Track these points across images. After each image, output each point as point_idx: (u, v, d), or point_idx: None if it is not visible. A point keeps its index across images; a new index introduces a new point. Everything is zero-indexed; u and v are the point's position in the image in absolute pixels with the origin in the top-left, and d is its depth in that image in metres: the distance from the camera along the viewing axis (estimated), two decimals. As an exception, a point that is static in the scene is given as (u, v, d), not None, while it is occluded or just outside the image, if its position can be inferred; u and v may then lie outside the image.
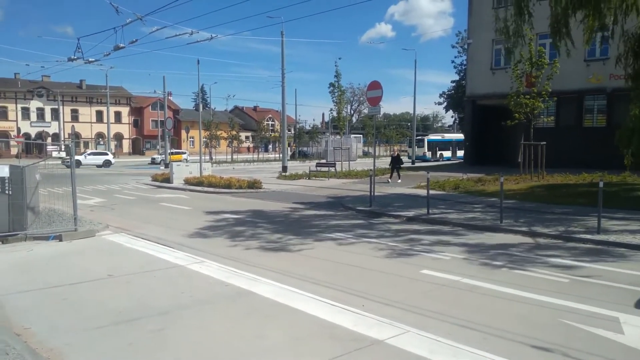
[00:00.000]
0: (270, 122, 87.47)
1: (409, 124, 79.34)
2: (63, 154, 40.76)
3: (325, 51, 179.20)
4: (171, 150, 50.37)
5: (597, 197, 9.99)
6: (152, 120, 78.16)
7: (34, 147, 63.87)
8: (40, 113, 70.99)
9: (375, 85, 16.93)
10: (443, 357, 4.51)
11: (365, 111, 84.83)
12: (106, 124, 64.18)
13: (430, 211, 13.20)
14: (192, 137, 73.52)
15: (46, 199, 13.26)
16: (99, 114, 74.68)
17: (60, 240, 10.41)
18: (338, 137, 38.60)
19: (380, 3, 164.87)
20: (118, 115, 77.77)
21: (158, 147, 68.23)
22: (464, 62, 48.34)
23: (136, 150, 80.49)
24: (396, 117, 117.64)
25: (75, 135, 64.32)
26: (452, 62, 59.94)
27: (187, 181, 24.27)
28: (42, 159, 25.51)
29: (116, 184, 25.97)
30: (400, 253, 9.03)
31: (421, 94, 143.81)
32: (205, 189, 22.02)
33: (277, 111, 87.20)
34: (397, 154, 25.41)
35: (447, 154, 54.54)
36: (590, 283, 6.89)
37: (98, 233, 11.23)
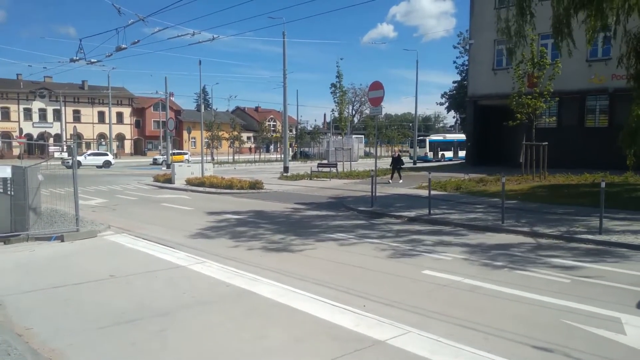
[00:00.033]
0: (271, 123, 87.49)
1: (411, 124, 79.29)
2: (65, 155, 40.83)
3: (327, 52, 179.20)
4: (173, 151, 50.43)
5: (599, 198, 9.98)
6: (154, 121, 78.23)
7: (36, 147, 64.03)
8: (43, 114, 71.13)
9: (376, 86, 16.91)
10: (444, 358, 4.51)
11: (367, 111, 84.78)
12: (108, 125, 64.31)
13: (431, 212, 13.19)
14: (194, 138, 73.47)
15: (48, 199, 13.28)
16: (101, 115, 74.80)
17: (62, 240, 10.42)
18: (339, 137, 38.68)
19: (382, 4, 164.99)
20: (120, 115, 77.89)
21: (160, 147, 68.29)
22: (466, 63, 48.30)
23: (138, 150, 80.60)
24: (398, 118, 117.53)
25: (77, 136, 64.40)
26: (454, 62, 60.09)
27: (189, 182, 24.30)
28: (44, 159, 25.56)
29: (118, 185, 26.01)
30: (401, 253, 9.03)
31: (423, 94, 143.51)
32: (207, 189, 22.04)
33: (278, 112, 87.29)
34: (398, 154, 25.40)
35: (449, 154, 54.53)
36: (592, 283, 6.88)
37: (100, 233, 11.25)
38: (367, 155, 67.36)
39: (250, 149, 79.89)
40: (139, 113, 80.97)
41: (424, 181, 19.30)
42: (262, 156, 63.46)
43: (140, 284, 7.29)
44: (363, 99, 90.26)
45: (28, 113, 69.90)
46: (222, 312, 5.95)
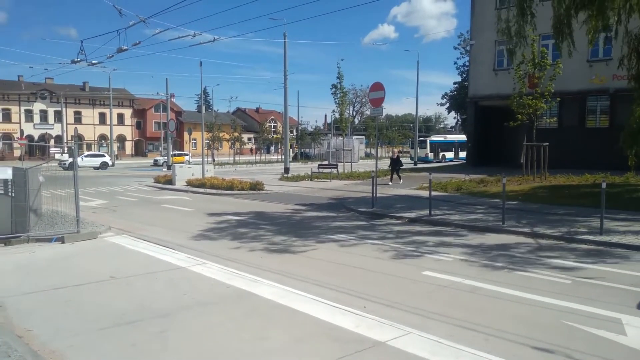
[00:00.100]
0: (272, 124, 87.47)
1: (412, 125, 79.21)
2: (66, 156, 40.80)
3: (328, 52, 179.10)
4: (173, 152, 50.42)
5: (600, 198, 9.97)
6: (155, 122, 78.29)
7: (37, 149, 64.08)
8: (44, 115, 71.19)
9: (377, 87, 16.91)
10: (444, 359, 4.50)
11: (368, 112, 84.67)
12: (109, 126, 64.29)
13: (432, 212, 13.19)
14: (195, 139, 73.57)
15: (49, 200, 13.29)
16: (102, 116, 74.81)
17: (63, 242, 10.43)
18: (340, 138, 38.68)
19: (383, 4, 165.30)
20: (121, 117, 77.92)
21: (160, 148, 68.37)
22: (467, 64, 48.30)
23: (139, 152, 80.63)
24: (398, 118, 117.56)
25: (78, 137, 64.46)
26: (455, 63, 60.01)
27: (190, 183, 24.31)
28: (45, 161, 25.58)
29: (118, 186, 26.02)
30: (402, 254, 9.03)
31: (423, 95, 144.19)
32: (208, 190, 22.05)
33: (279, 113, 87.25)
34: (397, 155, 25.40)
35: (450, 155, 54.52)
36: (593, 284, 6.87)
37: (100, 235, 11.26)
38: (367, 156, 67.35)
39: (251, 150, 79.91)
40: (139, 114, 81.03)
41: (425, 182, 19.29)
42: (263, 157, 63.47)
43: (141, 285, 7.29)
44: (364, 100, 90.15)
45: (29, 114, 69.96)
46: (222, 313, 5.95)
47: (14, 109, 68.62)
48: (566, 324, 5.36)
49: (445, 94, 65.43)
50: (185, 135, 65.77)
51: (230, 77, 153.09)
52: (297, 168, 38.20)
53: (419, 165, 41.80)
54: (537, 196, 15.98)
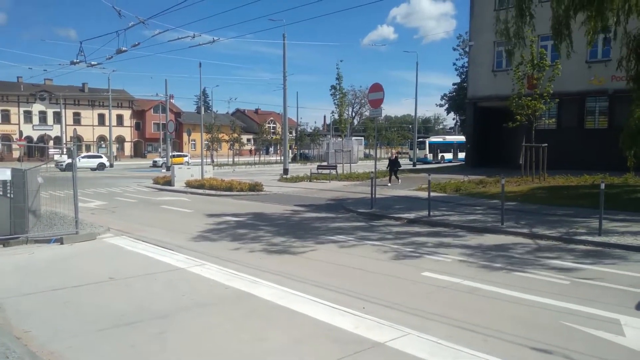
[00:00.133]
0: (271, 125, 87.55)
1: (411, 126, 79.20)
2: (63, 157, 40.75)
3: (327, 53, 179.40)
4: (173, 153, 50.44)
5: (599, 199, 9.98)
6: (154, 123, 78.25)
7: (36, 150, 63.96)
8: (43, 116, 71.12)
9: (376, 88, 16.93)
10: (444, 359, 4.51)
11: (367, 113, 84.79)
12: (108, 127, 64.25)
13: (431, 213, 13.20)
14: (194, 140, 73.58)
15: (47, 202, 13.28)
16: (101, 117, 74.76)
17: (62, 243, 10.43)
18: (339, 139, 38.67)
19: (382, 5, 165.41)
20: (120, 118, 77.87)
21: (160, 149, 68.30)
22: (466, 65, 48.33)
23: (138, 153, 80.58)
24: (397, 119, 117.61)
25: (77, 139, 64.40)
26: (454, 64, 59.94)
27: (189, 184, 24.31)
28: (44, 162, 25.57)
29: (117, 187, 26.01)
30: (401, 255, 9.03)
31: (423, 96, 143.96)
32: (207, 191, 22.05)
33: (278, 114, 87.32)
34: (395, 156, 25.40)
35: (449, 156, 54.52)
36: (591, 285, 6.88)
37: (99, 236, 11.25)
38: (366, 157, 67.36)
39: (250, 151, 79.81)
40: (139, 115, 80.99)
41: (424, 183, 19.30)
42: (262, 158, 63.41)
43: (140, 286, 7.29)
44: (363, 101, 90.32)
45: (28, 115, 69.90)
46: (221, 314, 5.95)
47: (13, 110, 68.59)
48: (565, 324, 5.37)
49: (444, 95, 65.47)
50: (185, 136, 65.56)
51: (229, 78, 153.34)
52: (296, 169, 38.20)
53: (418, 166, 41.82)
54: (536, 197, 15.99)
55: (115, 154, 63.68)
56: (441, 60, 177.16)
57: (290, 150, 52.62)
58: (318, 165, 31.27)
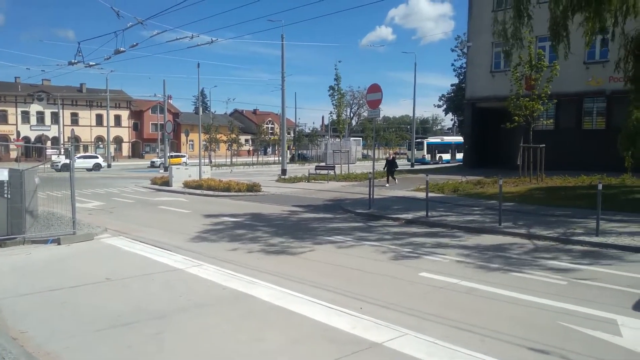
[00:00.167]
0: (269, 125, 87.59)
1: (409, 126, 79.35)
2: (60, 157, 40.66)
3: (326, 54, 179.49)
4: (170, 154, 50.37)
5: (596, 200, 9.99)
6: (152, 124, 78.21)
7: (33, 150, 63.90)
8: (40, 117, 71.03)
9: (375, 88, 16.93)
10: (441, 360, 4.51)
11: (365, 114, 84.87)
12: (106, 128, 64.19)
13: (429, 214, 13.20)
14: (192, 141, 73.56)
15: (45, 202, 13.26)
16: (99, 118, 74.69)
17: (59, 243, 10.41)
18: (337, 140, 38.62)
19: (381, 6, 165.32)
20: (118, 118, 77.81)
21: (157, 150, 68.23)
22: (464, 65, 48.39)
23: (136, 153, 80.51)
24: (396, 120, 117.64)
25: (75, 139, 64.34)
26: (452, 65, 59.97)
27: (187, 184, 24.28)
28: (41, 162, 25.53)
29: (115, 188, 25.96)
30: (399, 256, 9.03)
31: (421, 96, 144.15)
32: (205, 192, 22.03)
33: (276, 114, 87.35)
34: (393, 157, 25.41)
35: (447, 156, 54.55)
36: (588, 285, 6.89)
37: (96, 236, 11.23)
38: (365, 157, 67.38)
39: (248, 151, 79.82)
40: (137, 116, 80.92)
41: (422, 183, 19.29)
42: (260, 159, 63.40)
43: (137, 286, 7.27)
44: (361, 102, 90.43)
45: (26, 116, 69.81)
46: (218, 315, 5.94)
47: (11, 110, 68.49)
48: (562, 325, 5.37)
49: (443, 95, 65.56)
50: (183, 136, 65.61)
51: (227, 79, 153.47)
52: (294, 170, 38.19)
53: (416, 167, 41.83)
54: (533, 197, 16.01)
55: (113, 154, 63.56)
56: (439, 61, 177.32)
57: (288, 151, 52.63)
58: (316, 166, 31.27)
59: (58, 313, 6.07)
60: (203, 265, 8.38)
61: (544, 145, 19.52)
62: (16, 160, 51.50)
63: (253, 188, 21.54)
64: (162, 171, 38.61)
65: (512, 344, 4.87)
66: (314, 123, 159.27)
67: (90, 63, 26.47)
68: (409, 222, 12.79)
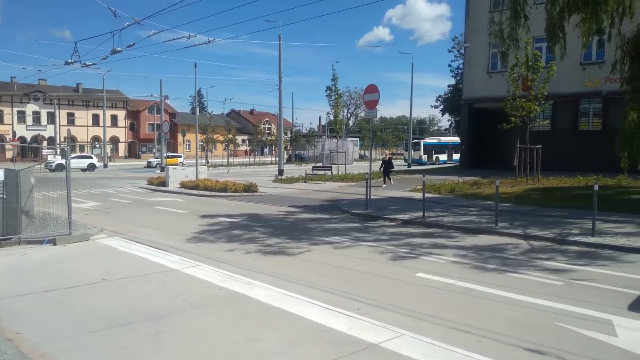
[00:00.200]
0: (266, 126, 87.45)
1: (406, 127, 79.33)
2: (55, 158, 40.53)
3: (323, 54, 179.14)
4: (167, 154, 50.25)
5: (592, 200, 10.03)
6: (149, 124, 77.96)
7: (29, 150, 63.59)
8: (36, 116, 70.76)
9: (372, 89, 16.92)
10: (437, 361, 4.51)
11: (362, 114, 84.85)
12: (102, 128, 64.06)
13: (426, 214, 13.21)
14: (189, 141, 73.47)
15: (41, 202, 13.19)
16: (95, 118, 74.46)
17: (55, 244, 10.36)
18: (334, 140, 38.63)
19: (378, 7, 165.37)
20: (114, 118, 77.55)
21: (154, 150, 68.01)
22: (461, 66, 48.51)
23: (132, 153, 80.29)
24: (393, 121, 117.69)
25: (71, 139, 64.11)
26: (449, 65, 60.20)
27: (183, 185, 24.22)
28: (37, 162, 25.44)
29: (111, 188, 25.89)
30: (395, 256, 9.03)
31: (418, 97, 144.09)
32: (201, 192, 21.98)
33: (273, 114, 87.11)
34: (389, 157, 25.42)
35: (443, 157, 54.62)
36: (584, 286, 6.91)
37: (92, 237, 11.19)
38: (362, 158, 67.44)
39: (245, 152, 79.75)
40: (133, 116, 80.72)
41: (418, 184, 19.30)
42: (257, 159, 63.34)
43: (133, 287, 7.25)
44: (358, 102, 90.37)
45: (22, 116, 69.53)
46: (215, 316, 5.93)
47: (7, 110, 68.21)
48: (558, 325, 5.38)
49: (440, 96, 65.80)
50: (179, 137, 65.61)
51: (224, 79, 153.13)
52: (291, 170, 38.17)
53: (413, 167, 41.87)
54: (530, 198, 16.05)
55: (109, 154, 63.42)
56: (436, 62, 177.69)
57: (285, 151, 52.65)
58: (313, 166, 31.26)
59: (54, 314, 6.05)
60: (199, 266, 8.37)
61: (540, 146, 19.58)
62: (12, 160, 51.32)
63: (250, 188, 21.52)
64: (158, 171, 38.55)
65: (508, 344, 4.88)
66: (311, 123, 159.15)
67: (87, 63, 26.43)
68: (406, 223, 12.80)
